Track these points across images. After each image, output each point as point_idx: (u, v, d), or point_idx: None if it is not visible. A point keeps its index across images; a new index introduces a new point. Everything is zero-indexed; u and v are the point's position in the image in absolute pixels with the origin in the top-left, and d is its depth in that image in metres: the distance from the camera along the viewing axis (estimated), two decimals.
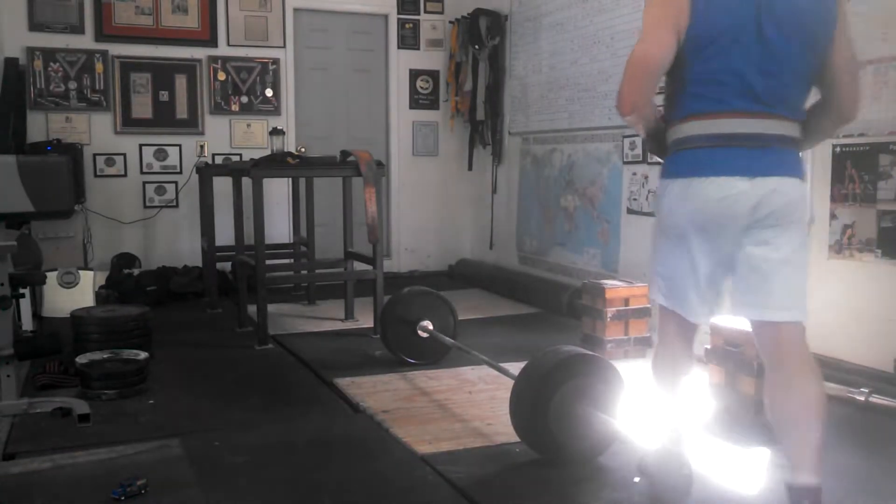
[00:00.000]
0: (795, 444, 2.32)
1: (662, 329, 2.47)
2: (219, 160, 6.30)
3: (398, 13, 7.11)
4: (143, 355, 3.68)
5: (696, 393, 3.50)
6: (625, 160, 5.32)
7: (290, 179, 6.15)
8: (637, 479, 2.60)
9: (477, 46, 6.72)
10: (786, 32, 2.10)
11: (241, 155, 6.46)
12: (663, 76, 2.23)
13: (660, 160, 2.42)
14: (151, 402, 3.48)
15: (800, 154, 2.24)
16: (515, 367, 2.99)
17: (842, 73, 2.20)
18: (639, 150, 5.17)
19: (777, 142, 2.15)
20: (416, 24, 7.18)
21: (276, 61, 6.72)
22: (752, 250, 2.19)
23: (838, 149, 3.78)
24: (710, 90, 2.15)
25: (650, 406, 2.73)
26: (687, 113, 2.21)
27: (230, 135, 6.64)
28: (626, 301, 4.23)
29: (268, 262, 4.78)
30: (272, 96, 6.72)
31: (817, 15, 2.13)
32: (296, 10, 6.79)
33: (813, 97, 2.27)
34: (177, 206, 6.52)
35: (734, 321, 3.28)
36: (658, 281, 2.42)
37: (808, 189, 2.59)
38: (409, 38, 7.18)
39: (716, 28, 2.10)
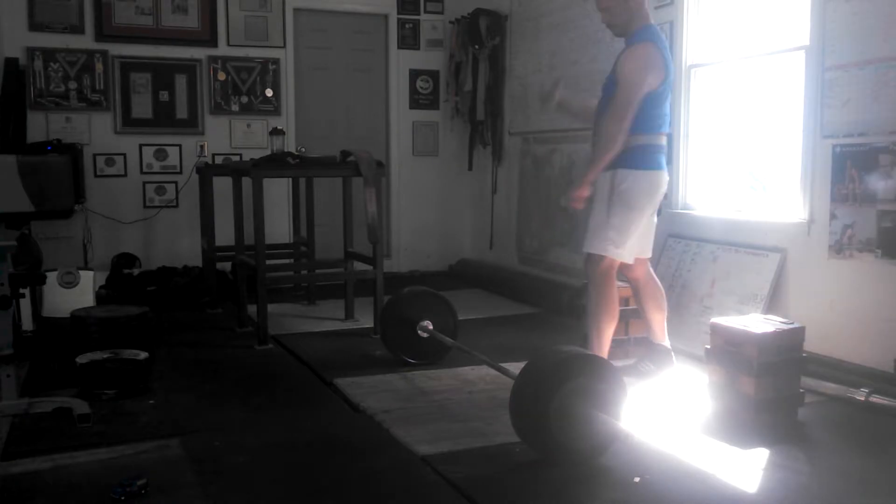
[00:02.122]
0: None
1: (611, 277, 3.59)
2: (219, 160, 6.30)
3: (398, 13, 7.11)
4: (143, 355, 3.68)
5: (696, 393, 3.50)
6: None
7: (290, 179, 6.14)
8: (637, 479, 2.60)
9: (477, 46, 6.72)
10: None
11: (241, 155, 6.46)
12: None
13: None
14: (151, 402, 3.48)
15: None
16: (515, 367, 2.99)
17: None
18: None
19: None
20: (416, 24, 7.19)
21: (276, 61, 6.72)
22: (653, 217, 3.67)
23: (838, 149, 3.78)
24: (662, 120, 3.54)
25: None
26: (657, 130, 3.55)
27: (230, 135, 6.65)
28: (626, 301, 4.22)
29: (268, 262, 4.78)
30: (272, 96, 6.72)
31: None
32: (296, 10, 6.79)
33: None
34: (177, 206, 6.52)
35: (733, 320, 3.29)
36: (628, 243, 3.51)
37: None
38: (409, 38, 7.18)
39: (669, 85, 3.54)
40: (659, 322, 3.79)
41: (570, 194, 3.51)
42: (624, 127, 3.38)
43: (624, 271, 3.71)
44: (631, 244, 3.55)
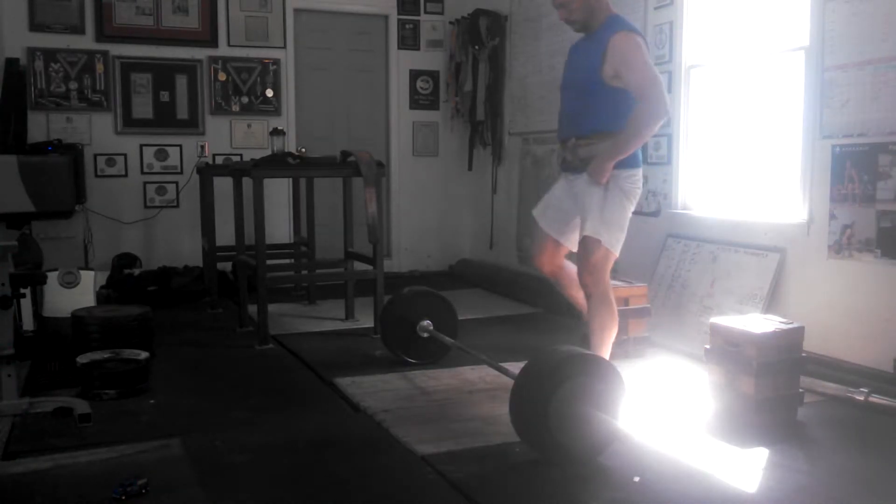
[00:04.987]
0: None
1: (608, 273, 3.39)
2: (219, 160, 6.30)
3: (398, 14, 7.11)
4: (143, 355, 3.68)
5: (696, 393, 3.51)
6: None
7: (291, 180, 6.15)
8: (637, 479, 2.61)
9: (477, 47, 6.73)
10: None
11: (241, 155, 6.47)
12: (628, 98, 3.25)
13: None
14: (152, 401, 3.48)
15: None
16: (515, 367, 2.99)
17: None
18: (638, 150, 5.17)
19: None
20: (417, 24, 7.19)
21: (276, 62, 6.72)
22: None
23: (838, 149, 3.79)
24: None
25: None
26: None
27: (231, 135, 6.65)
28: (626, 301, 4.23)
29: (268, 262, 4.79)
30: (273, 97, 6.73)
31: None
32: (296, 10, 6.80)
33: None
34: (177, 206, 6.53)
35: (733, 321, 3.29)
36: (622, 238, 3.36)
37: None
38: (409, 39, 7.18)
39: None
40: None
41: (599, 169, 3.24)
42: (663, 118, 3.20)
43: (541, 262, 3.62)
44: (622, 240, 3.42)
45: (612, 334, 3.42)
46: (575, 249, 3.48)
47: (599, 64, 3.26)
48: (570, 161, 3.42)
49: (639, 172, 3.37)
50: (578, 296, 3.60)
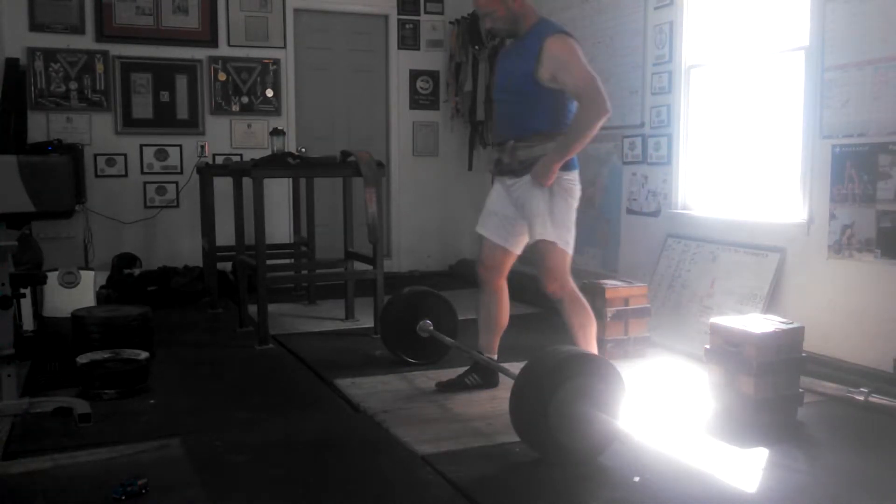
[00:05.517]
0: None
1: (569, 273, 3.32)
2: (219, 160, 6.30)
3: (398, 14, 7.11)
4: (143, 355, 3.68)
5: (696, 393, 3.51)
6: (624, 160, 5.32)
7: (291, 180, 6.15)
8: (637, 479, 2.61)
9: (477, 47, 6.73)
10: None
11: (241, 155, 6.47)
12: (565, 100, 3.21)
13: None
14: (152, 401, 3.48)
15: None
16: (515, 367, 2.99)
17: None
18: (639, 151, 5.18)
19: None
20: (417, 24, 7.19)
21: (276, 62, 6.72)
22: None
23: (838, 149, 3.79)
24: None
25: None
26: None
27: (231, 135, 6.65)
28: (626, 301, 4.23)
29: (268, 262, 4.79)
30: (273, 97, 6.73)
31: None
32: (296, 10, 6.80)
33: None
34: (177, 206, 6.53)
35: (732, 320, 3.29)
36: (572, 238, 3.30)
37: None
38: (409, 39, 7.18)
39: None
40: (500, 334, 3.66)
41: (545, 171, 3.16)
42: (605, 115, 3.12)
43: (488, 271, 3.56)
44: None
45: (593, 330, 3.39)
46: (519, 252, 3.49)
47: (533, 67, 3.18)
48: (508, 164, 3.31)
49: (576, 175, 3.29)
50: (501, 325, 3.67)
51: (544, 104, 3.22)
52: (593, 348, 3.37)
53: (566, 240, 3.26)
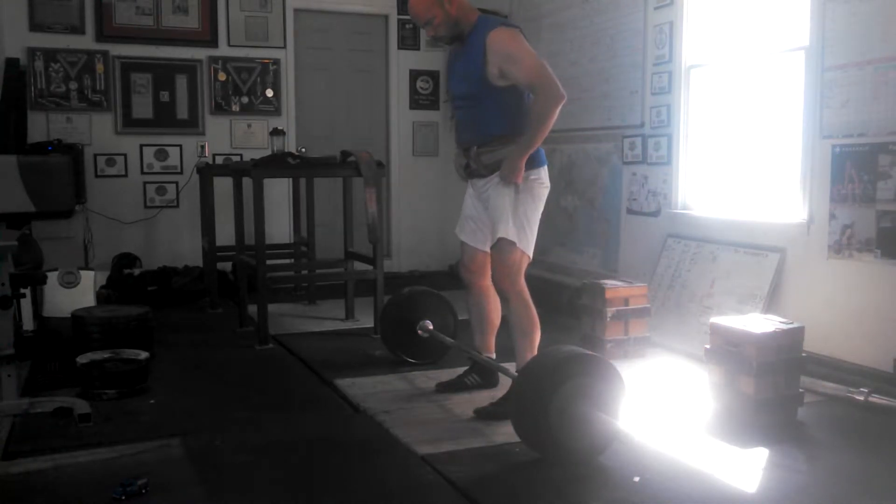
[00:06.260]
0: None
1: (523, 275, 3.29)
2: (219, 160, 6.30)
3: (398, 13, 7.10)
4: (143, 355, 3.69)
5: (696, 393, 3.51)
6: (624, 160, 5.33)
7: (291, 180, 6.15)
8: (637, 479, 2.61)
9: None
10: None
11: (241, 155, 6.47)
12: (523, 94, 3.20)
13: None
14: (152, 401, 3.49)
15: None
16: (514, 368, 2.99)
17: None
18: (639, 151, 5.18)
19: None
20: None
21: (276, 62, 6.72)
22: None
23: (838, 149, 3.79)
24: None
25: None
26: None
27: (231, 135, 6.65)
28: (626, 301, 4.23)
29: (268, 262, 4.79)
30: (273, 97, 6.72)
31: None
32: (296, 10, 6.80)
33: None
34: (177, 206, 6.53)
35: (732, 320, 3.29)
36: (533, 240, 3.27)
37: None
38: (409, 39, 7.18)
39: None
40: (494, 333, 3.61)
41: (512, 169, 3.13)
42: (561, 101, 3.09)
43: (470, 275, 3.50)
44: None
45: (536, 337, 3.33)
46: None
47: (481, 67, 3.14)
48: (475, 168, 3.30)
49: (544, 172, 3.27)
50: (493, 325, 3.58)
51: (502, 107, 3.19)
52: (532, 354, 3.27)
53: (526, 242, 3.24)
